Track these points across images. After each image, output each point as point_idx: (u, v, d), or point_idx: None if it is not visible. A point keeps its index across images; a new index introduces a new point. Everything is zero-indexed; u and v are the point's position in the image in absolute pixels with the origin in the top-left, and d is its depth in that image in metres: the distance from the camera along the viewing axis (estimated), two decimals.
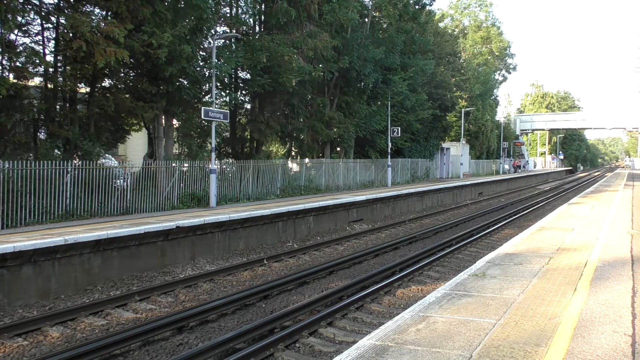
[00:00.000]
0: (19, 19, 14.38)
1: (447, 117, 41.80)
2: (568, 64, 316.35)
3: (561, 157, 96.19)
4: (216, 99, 18.89)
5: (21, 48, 15.09)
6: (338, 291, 9.64)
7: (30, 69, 15.01)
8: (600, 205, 19.24)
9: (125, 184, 15.39)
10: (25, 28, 15.28)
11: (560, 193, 37.25)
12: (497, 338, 4.95)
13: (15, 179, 12.12)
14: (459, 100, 46.08)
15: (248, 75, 22.28)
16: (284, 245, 15.41)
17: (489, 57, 65.20)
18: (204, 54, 19.36)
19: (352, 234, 17.29)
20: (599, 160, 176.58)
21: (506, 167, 60.34)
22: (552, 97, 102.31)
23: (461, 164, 44.53)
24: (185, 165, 17.80)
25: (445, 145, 43.99)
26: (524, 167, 66.42)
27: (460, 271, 9.64)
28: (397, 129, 29.75)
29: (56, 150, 15.46)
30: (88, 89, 17.20)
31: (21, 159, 13.86)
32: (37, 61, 14.98)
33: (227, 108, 20.70)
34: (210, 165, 17.26)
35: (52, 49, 15.89)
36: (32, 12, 14.86)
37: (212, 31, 19.35)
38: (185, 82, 17.93)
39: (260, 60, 19.41)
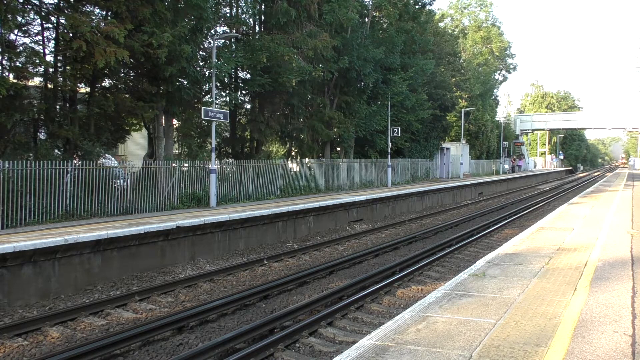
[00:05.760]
0: (19, 19, 14.39)
1: (447, 117, 41.78)
2: (568, 64, 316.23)
3: (561, 157, 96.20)
4: (216, 99, 18.88)
5: (21, 48, 15.09)
6: (338, 291, 9.64)
7: (30, 69, 15.00)
8: (600, 205, 19.24)
9: (125, 184, 15.38)
10: (25, 28, 15.28)
11: (560, 193, 37.25)
12: (497, 338, 4.95)
13: (15, 179, 12.11)
14: (459, 100, 46.06)
15: (248, 75, 22.27)
16: (284, 245, 15.41)
17: (489, 57, 65.17)
18: (204, 54, 19.36)
19: (352, 234, 17.29)
20: (599, 160, 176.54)
21: (506, 167, 60.29)
22: (552, 97, 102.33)
23: (461, 164, 44.52)
24: (185, 165, 17.79)
25: (445, 145, 43.98)
26: (518, 166, 66.21)
27: (460, 271, 9.64)
28: (397, 129, 29.75)
29: (56, 150, 15.46)
30: (88, 89, 17.19)
31: (21, 159, 13.85)
32: (37, 61, 14.97)
33: (227, 108, 20.69)
34: (210, 165, 17.26)
35: (52, 49, 15.89)
36: (32, 12, 14.86)
37: (212, 31, 19.37)
38: (185, 82, 17.93)
39: (260, 60, 19.40)
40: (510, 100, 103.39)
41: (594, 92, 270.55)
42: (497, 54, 67.16)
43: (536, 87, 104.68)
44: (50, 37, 15.99)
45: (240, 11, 22.34)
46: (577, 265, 8.26)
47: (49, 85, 15.69)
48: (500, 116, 67.73)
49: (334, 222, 18.95)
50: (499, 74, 70.12)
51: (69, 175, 13.39)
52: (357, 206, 20.44)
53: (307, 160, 25.55)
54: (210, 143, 17.98)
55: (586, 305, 6.00)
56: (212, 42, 17.88)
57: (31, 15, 15.05)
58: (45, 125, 15.76)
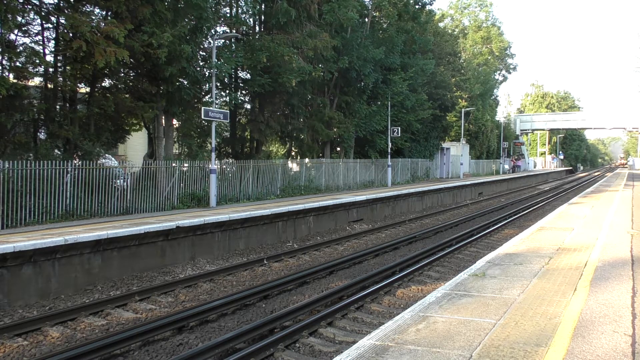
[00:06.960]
0: (19, 19, 14.39)
1: (447, 117, 41.80)
2: (568, 64, 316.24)
3: (561, 157, 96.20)
4: (216, 99, 18.89)
5: (21, 48, 15.08)
6: (338, 291, 9.63)
7: (30, 69, 15.00)
8: (600, 205, 19.24)
9: (125, 184, 15.38)
10: (25, 28, 15.28)
11: (560, 193, 37.24)
12: (497, 338, 4.95)
13: (15, 179, 12.11)
14: (459, 100, 46.07)
15: (248, 75, 22.28)
16: (284, 245, 15.41)
17: (489, 57, 65.18)
18: (204, 54, 19.36)
19: (352, 234, 17.29)
20: (599, 160, 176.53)
21: (506, 167, 60.29)
22: (552, 97, 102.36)
23: (461, 164, 44.54)
24: (185, 165, 17.79)
25: (445, 145, 43.99)
26: (518, 166, 66.08)
27: (460, 271, 9.64)
28: (397, 129, 29.75)
29: (56, 150, 15.46)
30: (88, 89, 17.20)
31: (21, 159, 13.86)
32: (37, 61, 14.97)
33: (227, 108, 20.69)
34: (210, 165, 17.26)
35: (52, 49, 15.89)
36: (32, 12, 14.86)
37: (212, 31, 19.35)
38: (185, 82, 17.93)
39: (260, 60, 19.41)
40: (510, 100, 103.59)
41: (594, 92, 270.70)
42: (497, 54, 67.17)
43: (536, 87, 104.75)
44: (50, 37, 16.00)
45: (240, 11, 22.35)
46: (577, 265, 8.26)
47: (49, 85, 15.69)
48: (500, 116, 67.80)
49: (334, 222, 18.95)
50: (499, 74, 70.14)
51: (69, 175, 13.39)
52: (357, 206, 20.44)
53: (307, 160, 25.56)
54: (210, 143, 17.98)
55: (586, 305, 6.00)
56: (212, 42, 17.88)
57: (31, 15, 15.06)
58: (45, 125, 15.76)
